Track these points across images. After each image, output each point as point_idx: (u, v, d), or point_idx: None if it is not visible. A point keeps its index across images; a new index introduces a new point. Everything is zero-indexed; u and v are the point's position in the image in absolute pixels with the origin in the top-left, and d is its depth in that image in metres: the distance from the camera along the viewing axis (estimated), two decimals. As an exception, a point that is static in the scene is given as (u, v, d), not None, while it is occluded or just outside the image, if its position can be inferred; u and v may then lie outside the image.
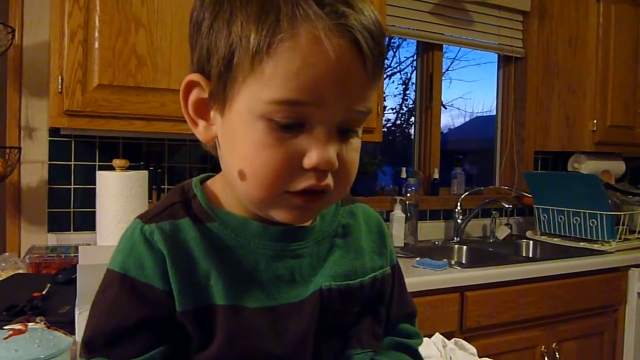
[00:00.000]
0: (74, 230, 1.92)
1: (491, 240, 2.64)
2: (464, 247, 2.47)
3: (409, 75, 3.05)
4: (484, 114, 3.19)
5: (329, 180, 0.54)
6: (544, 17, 2.88)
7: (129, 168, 1.57)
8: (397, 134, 3.28)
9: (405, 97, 3.13)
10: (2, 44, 1.66)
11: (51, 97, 1.58)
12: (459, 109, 3.15)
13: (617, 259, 2.25)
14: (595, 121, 2.63)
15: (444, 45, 2.75)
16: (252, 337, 0.56)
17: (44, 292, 1.30)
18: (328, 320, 0.61)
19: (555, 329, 2.08)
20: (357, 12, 0.51)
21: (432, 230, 2.61)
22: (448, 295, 1.83)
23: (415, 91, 2.83)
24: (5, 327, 0.93)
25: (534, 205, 2.64)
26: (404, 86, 3.14)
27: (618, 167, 2.88)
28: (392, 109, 3.16)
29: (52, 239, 1.87)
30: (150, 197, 1.72)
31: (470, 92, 3.16)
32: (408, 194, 2.41)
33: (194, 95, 0.57)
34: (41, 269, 1.59)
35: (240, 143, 0.54)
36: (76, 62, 1.57)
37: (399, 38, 2.74)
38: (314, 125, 0.53)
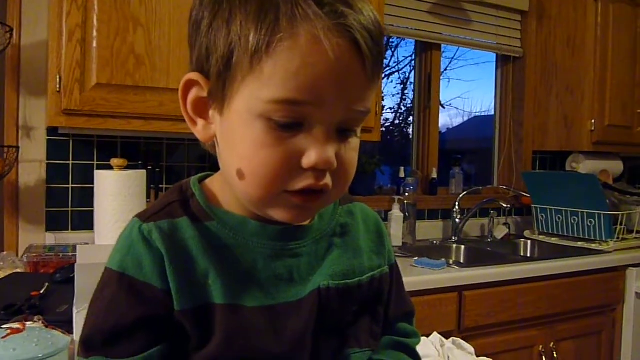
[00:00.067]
0: (72, 230, 1.92)
1: (489, 240, 2.64)
2: (462, 247, 2.47)
3: (407, 74, 3.06)
4: (482, 114, 3.20)
5: (328, 179, 0.55)
6: (542, 17, 2.88)
7: (127, 167, 1.57)
8: (396, 134, 3.28)
9: (404, 97, 3.14)
10: (0, 43, 1.66)
11: (49, 96, 1.58)
12: (458, 109, 3.15)
13: (615, 259, 2.25)
14: (593, 121, 2.64)
15: (443, 45, 2.75)
16: (250, 336, 0.56)
17: (42, 291, 1.30)
18: (326, 320, 0.61)
19: (553, 329, 2.09)
20: (357, 12, 0.51)
21: (430, 230, 2.61)
22: (446, 294, 1.83)
23: (413, 91, 2.83)
24: (3, 326, 0.93)
25: (532, 205, 2.64)
26: (402, 86, 3.14)
27: (616, 166, 2.89)
28: (391, 108, 3.17)
29: (50, 238, 1.87)
30: (148, 196, 1.72)
31: (468, 92, 3.17)
32: (406, 194, 2.41)
33: (193, 94, 0.57)
34: (39, 268, 1.59)
35: (239, 142, 0.54)
36: (74, 61, 1.57)
37: (398, 37, 2.74)
38: (313, 124, 0.53)
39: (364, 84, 0.53)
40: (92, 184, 1.56)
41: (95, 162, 1.93)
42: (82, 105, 1.58)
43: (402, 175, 2.53)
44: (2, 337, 0.87)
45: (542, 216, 2.59)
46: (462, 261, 2.37)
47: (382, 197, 2.51)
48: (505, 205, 2.56)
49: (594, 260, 2.20)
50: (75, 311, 0.95)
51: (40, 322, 1.05)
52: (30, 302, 1.21)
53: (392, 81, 3.11)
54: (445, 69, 2.87)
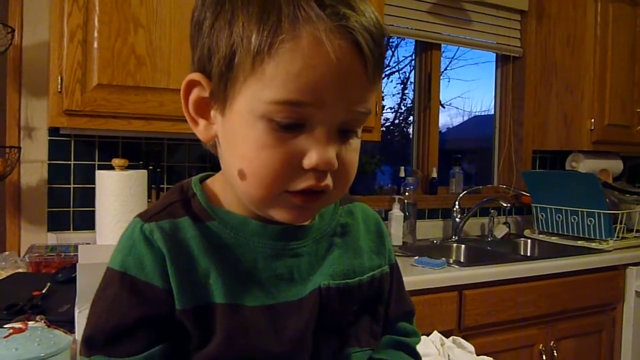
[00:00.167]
0: (73, 230, 1.92)
1: (489, 239, 2.64)
2: (462, 246, 2.47)
3: (407, 74, 3.06)
4: (482, 113, 3.20)
5: (329, 180, 0.55)
6: (541, 17, 2.88)
7: (128, 167, 1.57)
8: (396, 133, 3.28)
9: (404, 97, 3.14)
10: (2, 44, 1.66)
11: (50, 96, 1.59)
12: (457, 108, 3.15)
13: (615, 258, 2.26)
14: (592, 120, 2.64)
15: (442, 45, 2.75)
16: (251, 335, 0.57)
17: (43, 291, 1.30)
18: (327, 319, 0.61)
19: (553, 328, 2.09)
20: (358, 14, 0.51)
21: (430, 229, 2.62)
22: (446, 293, 1.83)
23: (413, 90, 2.83)
24: (5, 326, 0.93)
25: (532, 204, 2.64)
26: (402, 85, 3.14)
27: (616, 165, 2.89)
28: (391, 108, 3.17)
29: (52, 238, 1.87)
30: (149, 196, 1.72)
31: (468, 92, 3.17)
32: (406, 193, 2.42)
33: (195, 94, 0.58)
34: (41, 268, 1.60)
35: (240, 143, 0.54)
36: (75, 62, 1.57)
37: (398, 37, 2.74)
38: (314, 125, 0.53)
39: (365, 85, 0.53)
40: (94, 184, 1.57)
41: (96, 162, 1.93)
42: (84, 106, 1.59)
43: (402, 174, 2.53)
44: (5, 337, 0.87)
45: (542, 215, 2.60)
46: (462, 260, 2.37)
47: (382, 196, 2.52)
48: (505, 205, 2.56)
49: (593, 259, 2.20)
50: (77, 311, 0.95)
51: (43, 321, 1.06)
52: (32, 302, 1.21)
53: (392, 81, 3.12)
54: (445, 69, 2.88)
